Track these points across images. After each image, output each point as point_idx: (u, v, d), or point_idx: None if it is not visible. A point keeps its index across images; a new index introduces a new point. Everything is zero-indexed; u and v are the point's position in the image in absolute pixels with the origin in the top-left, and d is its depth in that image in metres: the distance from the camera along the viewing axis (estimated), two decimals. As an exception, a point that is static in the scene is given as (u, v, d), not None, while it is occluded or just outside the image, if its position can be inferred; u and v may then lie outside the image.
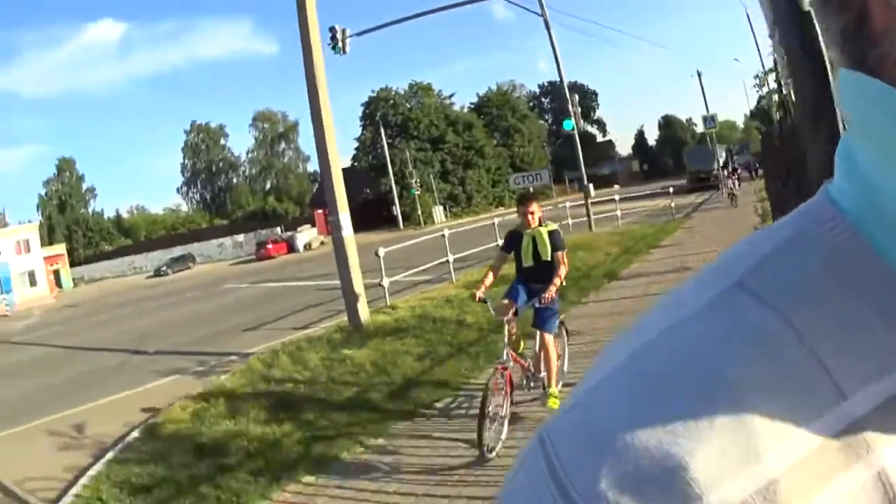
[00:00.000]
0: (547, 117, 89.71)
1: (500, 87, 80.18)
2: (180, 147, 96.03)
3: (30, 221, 69.03)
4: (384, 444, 6.38)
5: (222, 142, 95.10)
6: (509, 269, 7.33)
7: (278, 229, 66.86)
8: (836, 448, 0.36)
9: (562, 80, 27.74)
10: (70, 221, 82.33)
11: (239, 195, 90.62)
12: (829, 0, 0.41)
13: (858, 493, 0.35)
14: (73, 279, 66.89)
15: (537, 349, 6.64)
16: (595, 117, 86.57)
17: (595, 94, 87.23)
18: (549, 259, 6.66)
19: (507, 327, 6.42)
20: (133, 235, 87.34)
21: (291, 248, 56.37)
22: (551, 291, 6.39)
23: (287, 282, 27.48)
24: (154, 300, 33.31)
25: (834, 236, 0.41)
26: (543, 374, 6.62)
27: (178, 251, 69.38)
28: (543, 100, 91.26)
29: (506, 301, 6.67)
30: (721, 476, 0.35)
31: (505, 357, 6.12)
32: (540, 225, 6.74)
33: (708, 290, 0.41)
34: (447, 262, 16.21)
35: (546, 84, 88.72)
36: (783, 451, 0.35)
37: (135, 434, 7.89)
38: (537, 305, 6.43)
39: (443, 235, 16.51)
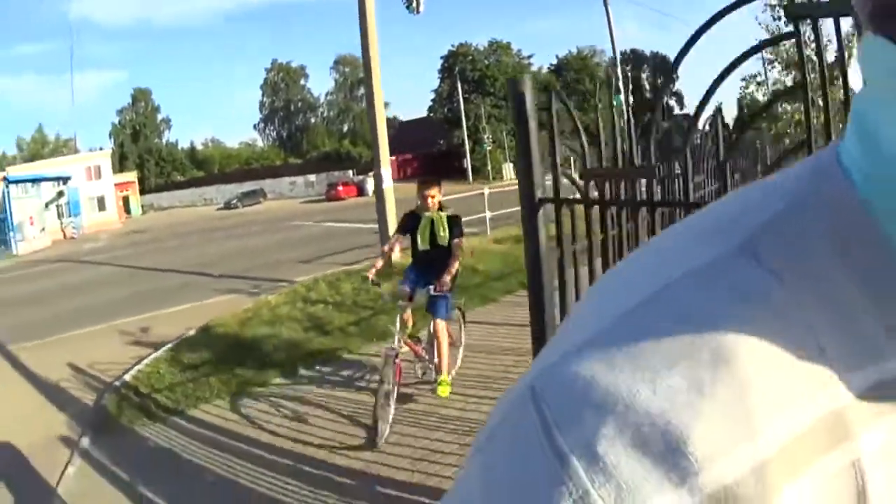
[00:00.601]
0: (629, 85, 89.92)
1: (580, 50, 79.41)
2: (259, 84, 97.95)
3: (101, 148, 72.38)
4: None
5: (302, 82, 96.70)
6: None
7: (350, 172, 67.71)
8: (822, 431, 0.36)
9: (615, 50, 28.80)
10: (143, 150, 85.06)
11: (315, 136, 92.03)
12: None
13: (833, 479, 0.36)
14: (143, 206, 69.17)
15: (431, 335, 6.64)
16: (674, 89, 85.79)
17: (670, 64, 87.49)
18: (447, 245, 6.61)
19: (400, 314, 6.45)
20: (206, 167, 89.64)
21: (361, 191, 57.49)
22: (446, 279, 6.35)
23: (349, 223, 28.79)
24: (222, 230, 35.18)
25: (840, 206, 0.40)
26: (436, 360, 6.60)
27: (249, 186, 70.42)
28: (625, 67, 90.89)
29: (401, 287, 6.63)
30: (718, 453, 0.35)
31: (397, 344, 6.16)
32: (440, 209, 6.71)
33: (708, 248, 0.41)
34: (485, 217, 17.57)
35: (628, 51, 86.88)
36: (776, 431, 0.35)
37: (191, 332, 9.92)
38: (432, 293, 6.39)
39: (482, 193, 18.04)
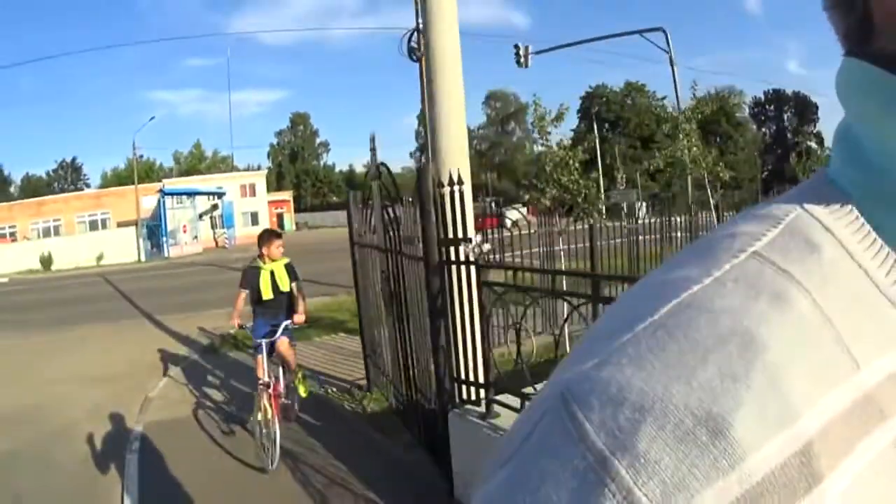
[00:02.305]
0: (770, 126, 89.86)
1: (717, 91, 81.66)
2: (416, 114, 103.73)
3: (259, 166, 78.61)
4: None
5: None
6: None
7: (493, 204, 72.74)
8: (856, 415, 0.38)
9: (677, 97, 31.60)
10: (300, 171, 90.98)
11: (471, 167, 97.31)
12: (836, 4, 0.45)
13: (880, 458, 0.38)
14: (297, 224, 74.32)
15: (270, 370, 6.82)
16: (815, 130, 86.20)
17: (816, 106, 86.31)
18: (288, 290, 7.25)
19: (261, 359, 6.86)
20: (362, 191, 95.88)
21: (501, 222, 62.02)
22: (304, 317, 7.24)
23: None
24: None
25: (840, 217, 0.44)
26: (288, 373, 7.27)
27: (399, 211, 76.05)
28: (767, 107, 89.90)
29: (256, 340, 7.06)
30: (762, 437, 0.36)
31: (266, 377, 6.62)
32: (274, 260, 7.27)
33: (726, 257, 0.43)
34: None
35: (770, 91, 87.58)
36: (814, 415, 0.37)
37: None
38: (291, 327, 7.13)
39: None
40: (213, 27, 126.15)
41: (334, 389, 8.42)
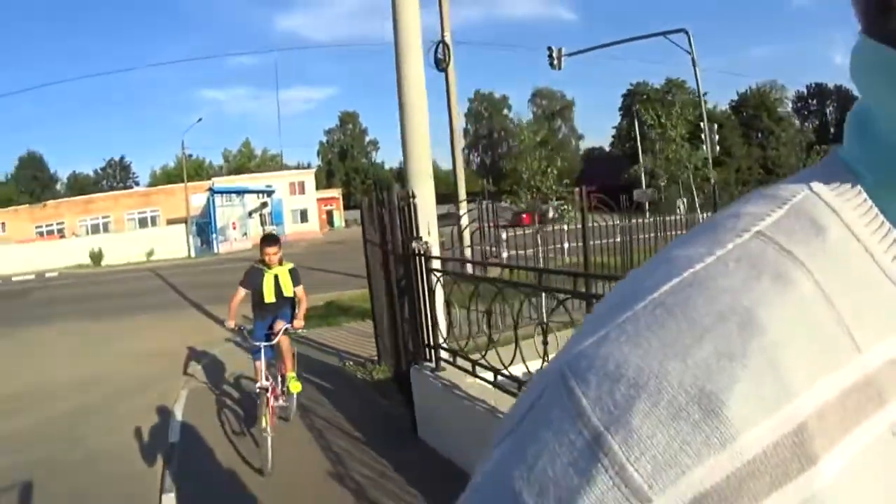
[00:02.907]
0: (813, 120, 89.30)
1: (759, 86, 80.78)
2: (463, 112, 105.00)
3: (309, 164, 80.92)
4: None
5: (504, 111, 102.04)
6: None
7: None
8: (854, 398, 0.38)
9: (698, 88, 32.56)
10: (349, 168, 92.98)
11: (516, 163, 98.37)
12: None
13: (877, 443, 0.38)
14: (346, 220, 75.26)
15: (268, 378, 6.87)
16: None
17: (854, 99, 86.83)
18: (291, 295, 7.38)
19: (258, 362, 7.01)
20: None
21: (542, 218, 63.48)
22: (302, 321, 7.37)
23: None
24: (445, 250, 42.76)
25: (849, 200, 0.44)
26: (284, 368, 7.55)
27: (447, 208, 78.13)
28: (810, 102, 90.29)
29: (254, 342, 7.11)
30: (756, 415, 0.36)
31: (264, 381, 6.71)
32: (280, 264, 7.34)
33: (730, 236, 0.43)
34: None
35: (812, 85, 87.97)
36: (810, 396, 0.37)
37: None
38: (291, 330, 7.37)
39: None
40: (261, 24, 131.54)
41: (351, 363, 9.92)
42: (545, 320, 4.77)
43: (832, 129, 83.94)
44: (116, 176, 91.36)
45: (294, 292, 7.38)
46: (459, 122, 19.50)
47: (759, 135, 76.79)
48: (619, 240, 13.77)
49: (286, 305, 7.45)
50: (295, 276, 7.38)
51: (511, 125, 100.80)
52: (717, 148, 36.46)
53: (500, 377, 5.23)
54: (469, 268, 8.61)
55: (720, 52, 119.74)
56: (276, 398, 6.96)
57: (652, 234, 14.88)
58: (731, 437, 0.35)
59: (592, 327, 0.42)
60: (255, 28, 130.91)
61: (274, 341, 7.13)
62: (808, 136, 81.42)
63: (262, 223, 55.48)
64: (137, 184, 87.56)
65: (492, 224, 13.43)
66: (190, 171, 61.10)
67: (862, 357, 0.38)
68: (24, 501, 6.05)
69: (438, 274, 6.64)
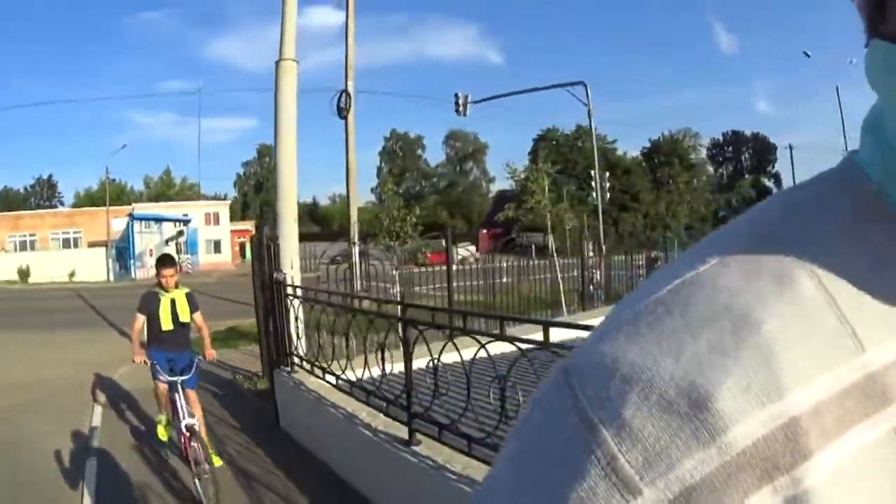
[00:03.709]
0: (727, 167, 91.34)
1: (671, 134, 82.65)
2: (377, 151, 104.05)
3: (226, 195, 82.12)
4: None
5: (419, 152, 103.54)
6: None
7: (442, 241, 76.02)
8: (855, 397, 0.37)
9: (592, 134, 35.10)
10: (263, 202, 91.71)
11: (428, 204, 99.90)
12: None
13: (878, 444, 0.37)
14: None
15: (191, 414, 6.54)
16: (773, 171, 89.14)
17: (775, 147, 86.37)
18: (188, 321, 6.98)
19: (167, 394, 6.75)
20: (325, 224, 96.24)
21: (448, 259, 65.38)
22: (212, 350, 7.16)
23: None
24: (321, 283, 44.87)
25: (858, 198, 0.44)
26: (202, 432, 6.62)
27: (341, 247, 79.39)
28: (725, 149, 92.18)
29: (159, 377, 6.75)
30: (745, 410, 0.36)
31: (188, 419, 6.34)
32: (176, 287, 6.98)
33: (740, 237, 0.44)
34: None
35: (728, 132, 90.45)
36: (805, 393, 0.37)
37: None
38: (208, 360, 7.18)
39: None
40: (191, 49, 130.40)
41: (240, 377, 11.73)
42: (383, 341, 6.10)
43: (747, 175, 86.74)
44: (44, 194, 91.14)
45: (192, 318, 7.09)
46: (374, 161, 21.69)
47: (670, 181, 78.17)
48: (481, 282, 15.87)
49: (183, 336, 7.16)
50: (192, 301, 7.11)
51: (425, 165, 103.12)
52: (608, 195, 38.88)
53: (339, 380, 7.04)
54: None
55: (639, 97, 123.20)
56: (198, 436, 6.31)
57: (514, 278, 16.81)
58: (721, 430, 0.36)
59: (600, 328, 0.44)
60: (184, 53, 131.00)
61: (187, 377, 6.65)
62: (721, 182, 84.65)
63: (178, 251, 55.70)
64: (63, 203, 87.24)
65: (368, 263, 15.36)
66: (112, 195, 61.64)
67: (865, 356, 0.38)
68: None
69: (292, 298, 8.62)
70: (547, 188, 21.61)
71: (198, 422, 6.58)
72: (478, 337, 4.73)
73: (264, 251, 9.34)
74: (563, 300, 17.91)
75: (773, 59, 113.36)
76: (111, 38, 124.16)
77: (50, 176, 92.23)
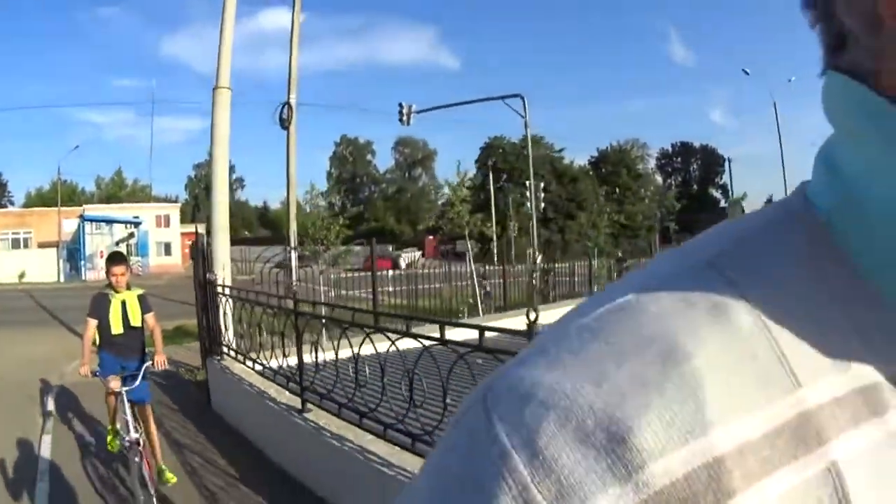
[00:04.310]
0: (676, 177, 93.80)
1: (619, 144, 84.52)
2: (328, 156, 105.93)
3: (177, 197, 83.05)
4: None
5: (368, 157, 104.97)
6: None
7: (389, 247, 76.84)
8: (787, 436, 0.36)
9: (529, 146, 36.74)
10: None
11: (376, 210, 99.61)
12: (821, 17, 0.44)
13: (807, 485, 0.36)
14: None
15: (137, 429, 5.97)
16: (721, 182, 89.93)
17: (725, 159, 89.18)
18: (140, 324, 6.60)
19: (115, 404, 6.41)
20: (274, 228, 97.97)
21: (395, 264, 66.51)
22: (163, 355, 6.46)
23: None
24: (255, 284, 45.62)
25: (806, 231, 0.43)
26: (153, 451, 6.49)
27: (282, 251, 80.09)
28: (674, 159, 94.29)
29: (106, 379, 6.23)
30: (665, 446, 0.35)
31: (133, 433, 5.83)
32: (128, 288, 6.61)
33: (677, 264, 0.43)
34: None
35: (678, 143, 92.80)
36: (732, 430, 0.35)
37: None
38: (156, 370, 6.52)
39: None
40: (145, 47, 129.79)
41: (183, 369, 13.08)
42: (282, 331, 7.78)
43: (695, 186, 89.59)
44: None
45: (144, 320, 6.72)
46: (325, 166, 23.16)
47: (617, 190, 79.40)
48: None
49: (135, 339, 6.77)
50: (144, 303, 6.75)
51: (374, 171, 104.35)
52: (542, 205, 40.53)
53: (258, 365, 8.56)
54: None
55: (590, 107, 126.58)
56: (146, 451, 6.18)
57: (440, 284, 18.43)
58: (638, 467, 0.34)
59: (524, 351, 0.43)
60: (138, 52, 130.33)
61: (135, 385, 6.17)
62: (670, 194, 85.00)
63: (129, 253, 55.67)
64: (13, 203, 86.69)
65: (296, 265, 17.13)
66: (64, 195, 61.90)
67: (800, 393, 0.37)
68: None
69: (221, 296, 10.20)
70: (463, 200, 23.40)
71: (149, 437, 6.40)
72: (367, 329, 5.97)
73: (199, 255, 11.00)
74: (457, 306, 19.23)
75: (721, 72, 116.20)
76: (64, 34, 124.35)
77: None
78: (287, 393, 7.47)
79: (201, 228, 12.89)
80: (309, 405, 6.86)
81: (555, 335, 0.42)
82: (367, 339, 5.79)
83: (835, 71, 0.44)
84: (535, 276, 20.57)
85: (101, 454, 7.63)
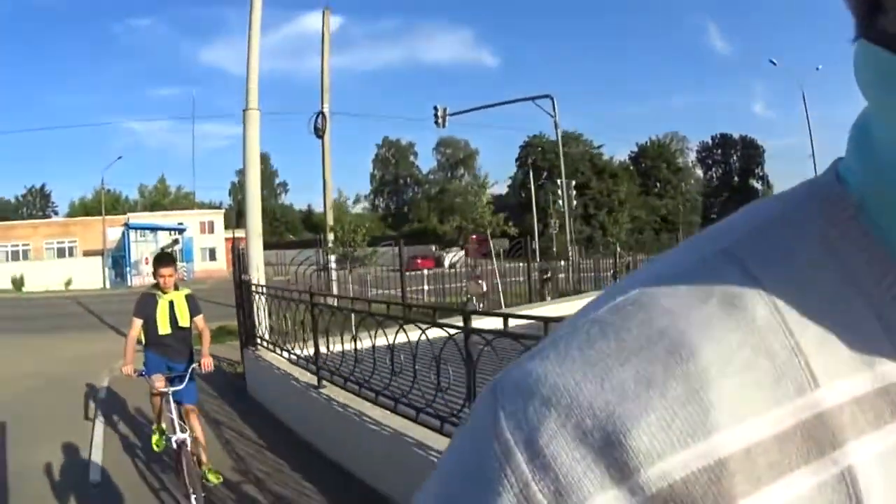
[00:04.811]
0: (716, 170, 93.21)
1: (659, 138, 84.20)
2: (371, 158, 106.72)
3: (221, 203, 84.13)
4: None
5: (411, 158, 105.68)
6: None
7: (433, 247, 76.65)
8: (799, 438, 0.35)
9: (559, 139, 37.61)
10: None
11: (419, 211, 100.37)
12: None
13: (818, 491, 0.35)
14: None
15: (183, 428, 6.10)
16: (761, 173, 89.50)
17: (763, 149, 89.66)
18: (188, 325, 6.71)
19: (160, 404, 6.67)
20: (319, 230, 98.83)
21: (438, 263, 67.06)
22: (210, 359, 6.59)
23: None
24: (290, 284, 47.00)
25: (835, 216, 0.40)
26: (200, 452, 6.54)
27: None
28: (714, 152, 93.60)
29: (152, 377, 6.35)
30: (663, 449, 0.34)
31: (179, 433, 5.96)
32: (176, 288, 6.71)
33: (693, 254, 0.42)
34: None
35: (718, 136, 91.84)
36: (738, 432, 0.34)
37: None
38: (201, 372, 6.63)
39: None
40: (184, 55, 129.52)
41: (225, 364, 14.08)
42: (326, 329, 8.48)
43: (736, 178, 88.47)
44: (36, 204, 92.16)
45: (194, 323, 6.82)
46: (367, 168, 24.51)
47: (658, 185, 79.96)
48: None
49: (182, 340, 6.88)
50: (192, 304, 6.83)
51: (417, 172, 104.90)
52: (574, 203, 41.52)
53: (285, 353, 9.94)
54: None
55: (629, 102, 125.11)
56: (193, 453, 6.18)
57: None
58: (634, 470, 0.34)
59: (539, 344, 0.42)
60: (178, 59, 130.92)
61: (182, 387, 6.33)
62: (710, 185, 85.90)
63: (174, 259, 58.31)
64: (57, 213, 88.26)
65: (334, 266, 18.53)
66: (107, 205, 63.30)
67: (818, 392, 0.36)
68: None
69: (255, 294, 11.59)
70: (486, 201, 24.69)
71: (196, 437, 6.38)
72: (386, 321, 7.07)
73: (236, 259, 12.47)
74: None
75: (760, 64, 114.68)
76: (102, 45, 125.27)
77: (43, 185, 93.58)
78: (308, 374, 8.80)
79: (238, 234, 14.35)
80: (324, 382, 8.21)
81: (567, 328, 0.41)
82: (378, 329, 6.94)
83: (867, 40, 0.41)
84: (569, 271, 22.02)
85: (147, 453, 7.85)
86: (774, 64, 59.25)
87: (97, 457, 7.90)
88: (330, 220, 23.31)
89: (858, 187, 0.41)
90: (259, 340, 11.48)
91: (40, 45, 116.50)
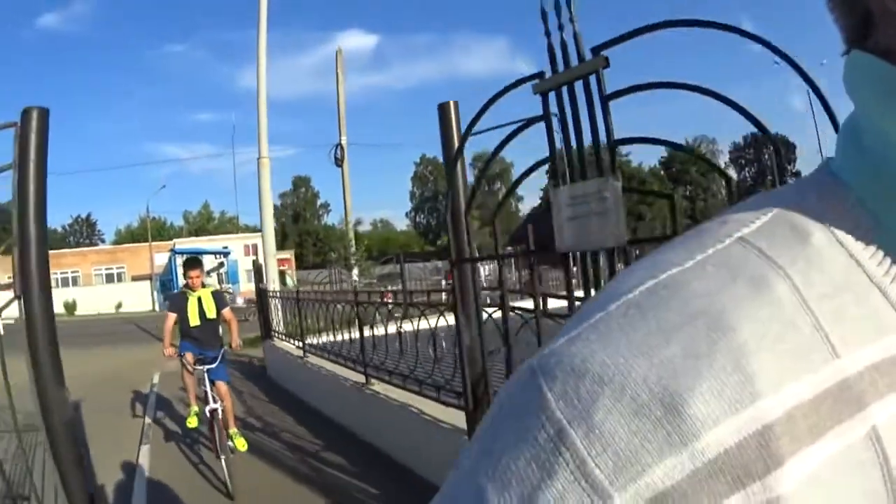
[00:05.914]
0: (749, 170, 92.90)
1: (687, 142, 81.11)
2: (409, 176, 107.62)
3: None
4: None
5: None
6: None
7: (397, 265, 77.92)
8: (829, 402, 0.38)
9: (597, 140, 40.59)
10: (302, 231, 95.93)
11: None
12: (838, 4, 0.46)
13: (850, 449, 0.38)
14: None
15: (216, 400, 7.33)
16: (794, 170, 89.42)
17: (794, 145, 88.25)
18: (215, 317, 7.75)
19: (193, 383, 7.81)
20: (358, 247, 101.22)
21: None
22: (239, 341, 7.92)
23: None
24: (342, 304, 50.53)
25: (837, 207, 0.44)
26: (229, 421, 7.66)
27: (388, 269, 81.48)
28: (747, 151, 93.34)
29: (189, 353, 7.51)
30: (718, 416, 0.36)
31: (213, 402, 7.25)
32: (203, 287, 7.82)
33: (713, 241, 0.44)
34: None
35: (749, 135, 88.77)
36: (779, 398, 0.37)
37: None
38: (231, 351, 7.92)
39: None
40: (224, 81, 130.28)
41: (255, 360, 17.27)
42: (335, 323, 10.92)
43: (769, 176, 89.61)
44: (83, 232, 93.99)
45: (221, 315, 7.84)
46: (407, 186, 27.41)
47: (688, 188, 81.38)
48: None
49: (211, 330, 7.83)
50: (219, 299, 7.85)
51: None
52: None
53: (293, 343, 13.21)
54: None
55: (661, 102, 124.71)
56: (222, 423, 7.36)
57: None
58: (693, 436, 0.36)
59: (569, 327, 0.44)
60: (217, 83, 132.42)
61: (215, 366, 7.42)
62: (745, 185, 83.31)
63: (220, 282, 58.32)
64: (103, 241, 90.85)
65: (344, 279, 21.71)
66: (153, 231, 66.88)
67: (840, 361, 0.39)
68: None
69: (270, 298, 15.24)
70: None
71: (224, 409, 7.46)
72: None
73: (256, 273, 16.33)
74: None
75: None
76: (139, 74, 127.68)
77: (89, 215, 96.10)
78: (308, 355, 12.17)
79: (289, 254, 17.66)
80: (308, 355, 11.77)
81: (600, 311, 0.43)
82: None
83: (860, 51, 0.45)
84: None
85: (183, 428, 9.50)
86: (778, 64, 60.73)
87: (148, 423, 11.06)
88: (352, 239, 26.50)
89: (854, 182, 0.46)
90: (274, 333, 14.98)
91: (77, 76, 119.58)
